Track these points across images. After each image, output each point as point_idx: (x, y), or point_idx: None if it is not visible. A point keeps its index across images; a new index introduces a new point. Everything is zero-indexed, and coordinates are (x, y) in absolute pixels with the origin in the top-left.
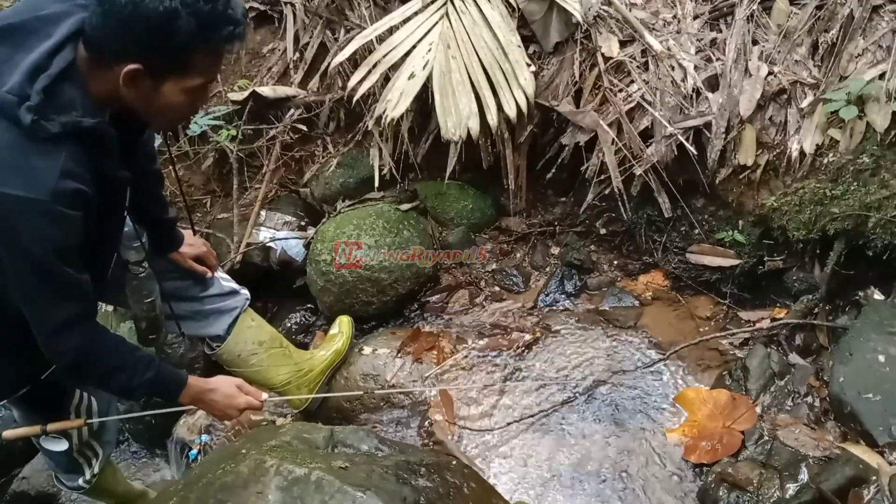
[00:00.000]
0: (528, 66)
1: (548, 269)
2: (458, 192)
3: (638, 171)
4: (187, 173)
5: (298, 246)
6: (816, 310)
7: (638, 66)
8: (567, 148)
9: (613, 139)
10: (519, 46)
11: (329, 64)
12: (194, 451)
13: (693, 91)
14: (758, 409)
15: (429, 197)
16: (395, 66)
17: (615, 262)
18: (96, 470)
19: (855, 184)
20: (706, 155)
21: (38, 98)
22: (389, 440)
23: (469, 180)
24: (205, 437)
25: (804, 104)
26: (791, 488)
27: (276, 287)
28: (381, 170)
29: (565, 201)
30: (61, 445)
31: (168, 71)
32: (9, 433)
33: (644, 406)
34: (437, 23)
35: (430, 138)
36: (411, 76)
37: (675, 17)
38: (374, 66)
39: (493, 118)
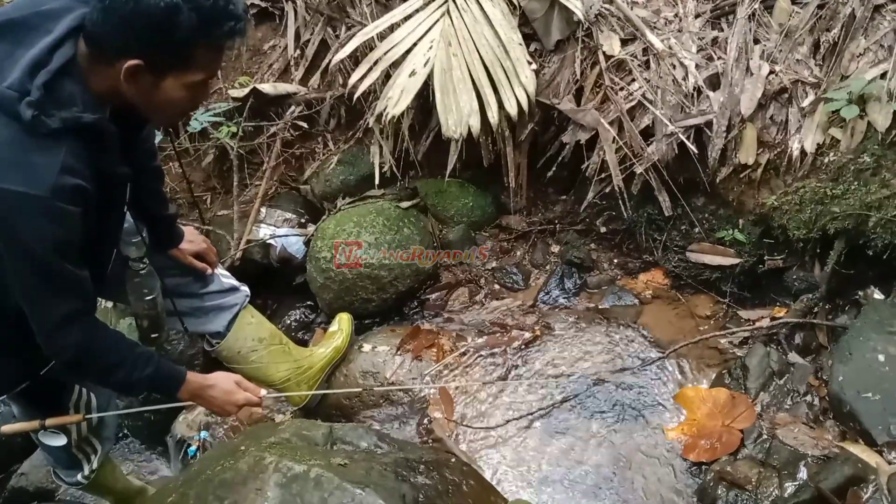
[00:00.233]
0: (529, 63)
1: (548, 268)
2: (458, 189)
3: (638, 169)
4: (188, 170)
5: (298, 243)
6: (816, 309)
7: (639, 65)
8: (568, 146)
9: (614, 137)
10: (520, 44)
11: (330, 61)
12: (193, 448)
13: (694, 90)
14: (757, 408)
15: (429, 195)
16: (396, 64)
17: (615, 261)
18: (95, 466)
19: (856, 183)
20: (707, 154)
21: (38, 93)
22: (389, 437)
23: (469, 178)
24: (204, 434)
25: (805, 103)
26: (790, 487)
27: (275, 284)
28: (381, 167)
29: (566, 199)
30: (60, 440)
31: (169, 66)
32: (7, 428)
33: (643, 404)
34: (438, 20)
35: (431, 136)
36: (412, 73)
37: (676, 15)
38: (375, 63)
39: (493, 116)
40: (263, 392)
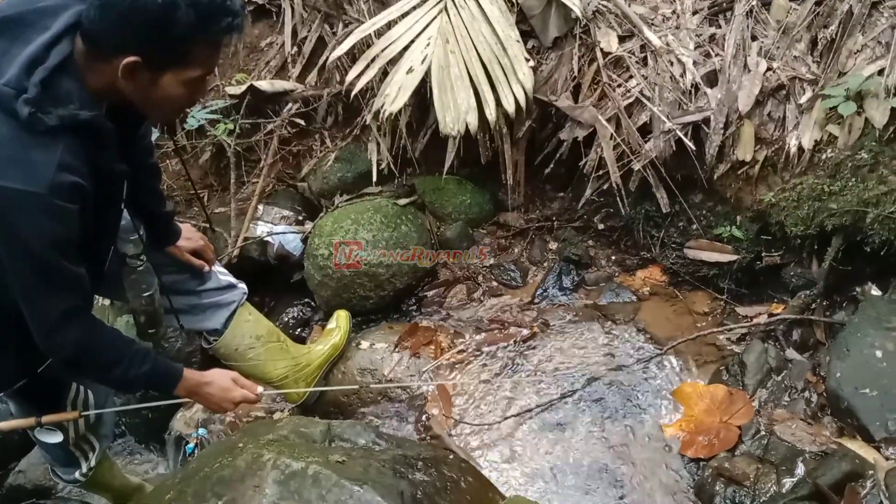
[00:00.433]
0: (527, 60)
1: (545, 265)
2: (456, 186)
3: (636, 166)
4: (186, 167)
5: (296, 240)
6: (814, 305)
7: (637, 62)
8: (565, 143)
9: (612, 134)
10: (518, 41)
11: (327, 58)
12: (191, 445)
13: (692, 86)
14: (755, 405)
15: (427, 192)
16: (393, 61)
17: (613, 258)
18: (93, 463)
19: (853, 180)
20: (704, 150)
21: (35, 91)
22: (387, 434)
23: (467, 175)
24: (202, 431)
25: (803, 100)
26: (787, 483)
27: (273, 281)
28: (379, 164)
29: (563, 196)
30: (56, 437)
31: (167, 63)
32: (4, 425)
33: (641, 401)
34: (435, 17)
35: (429, 133)
36: (410, 71)
37: (674, 12)
38: (373, 60)
39: (491, 113)
40: (260, 389)
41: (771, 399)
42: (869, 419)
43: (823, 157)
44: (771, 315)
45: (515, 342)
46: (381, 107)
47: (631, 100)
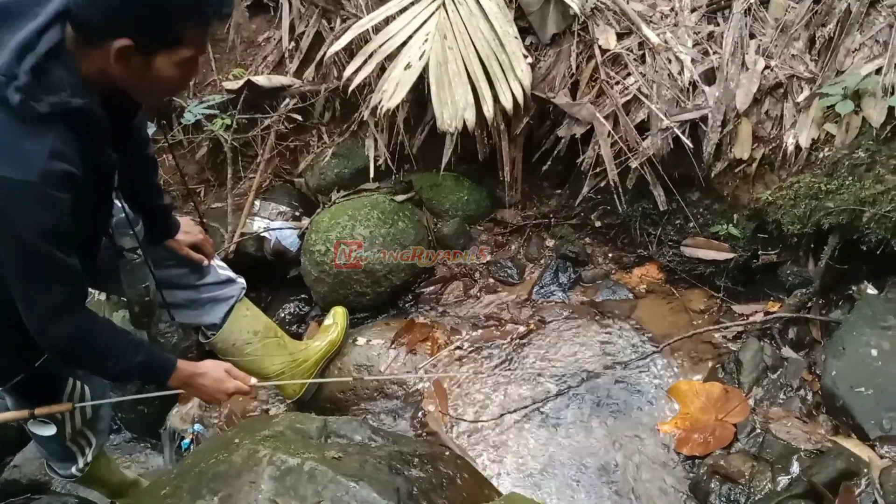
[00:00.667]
0: (525, 57)
1: (542, 262)
2: (453, 183)
3: (634, 163)
4: (181, 162)
5: (293, 236)
6: (810, 304)
7: (635, 59)
8: (563, 140)
9: (609, 132)
10: (516, 38)
11: (325, 53)
12: (187, 441)
13: (690, 84)
14: (750, 402)
15: (424, 188)
16: (391, 57)
17: (610, 255)
18: (89, 458)
19: (850, 178)
20: (702, 148)
21: (26, 78)
22: (383, 430)
23: (464, 172)
24: (198, 427)
25: (800, 98)
26: (783, 481)
27: (270, 277)
28: (376, 160)
29: (560, 194)
30: (49, 430)
31: (158, 45)
32: None
33: (637, 398)
34: (433, 13)
35: (426, 129)
36: (407, 66)
37: (672, 9)
38: (370, 56)
39: (489, 110)
40: (253, 380)
41: (766, 397)
42: (864, 418)
43: (821, 155)
44: (767, 313)
45: (512, 339)
46: (379, 103)
47: (629, 97)
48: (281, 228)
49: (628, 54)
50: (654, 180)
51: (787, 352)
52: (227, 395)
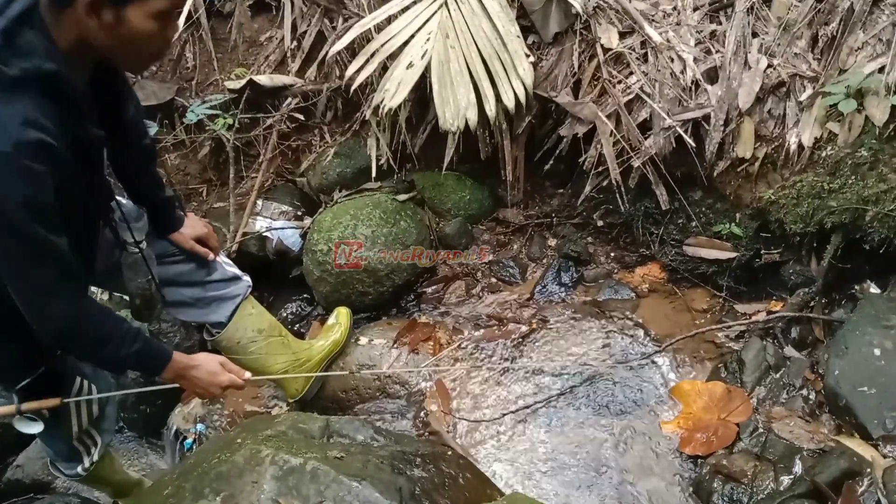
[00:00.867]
0: (527, 56)
1: (545, 261)
2: (455, 182)
3: (636, 163)
4: (183, 162)
5: (295, 236)
6: (813, 303)
7: (637, 58)
8: (565, 139)
9: (612, 131)
10: (518, 37)
11: (327, 53)
12: (189, 441)
13: (692, 83)
14: (753, 402)
15: (426, 187)
16: (393, 56)
17: (612, 254)
18: (95, 458)
19: (853, 177)
20: (704, 147)
21: None
22: (385, 430)
23: (466, 171)
24: (200, 427)
25: (803, 97)
26: (785, 480)
27: (272, 277)
28: (378, 160)
29: (563, 193)
30: (36, 428)
31: None
32: None
33: (639, 398)
34: (436, 12)
35: (428, 128)
36: (409, 66)
37: (674, 8)
38: (373, 55)
39: (491, 109)
40: (247, 375)
41: (769, 396)
42: (867, 417)
43: (823, 154)
44: (770, 312)
45: (514, 339)
46: (381, 102)
47: (631, 96)
48: (283, 228)
49: (630, 53)
50: (657, 179)
51: (789, 351)
52: (222, 388)
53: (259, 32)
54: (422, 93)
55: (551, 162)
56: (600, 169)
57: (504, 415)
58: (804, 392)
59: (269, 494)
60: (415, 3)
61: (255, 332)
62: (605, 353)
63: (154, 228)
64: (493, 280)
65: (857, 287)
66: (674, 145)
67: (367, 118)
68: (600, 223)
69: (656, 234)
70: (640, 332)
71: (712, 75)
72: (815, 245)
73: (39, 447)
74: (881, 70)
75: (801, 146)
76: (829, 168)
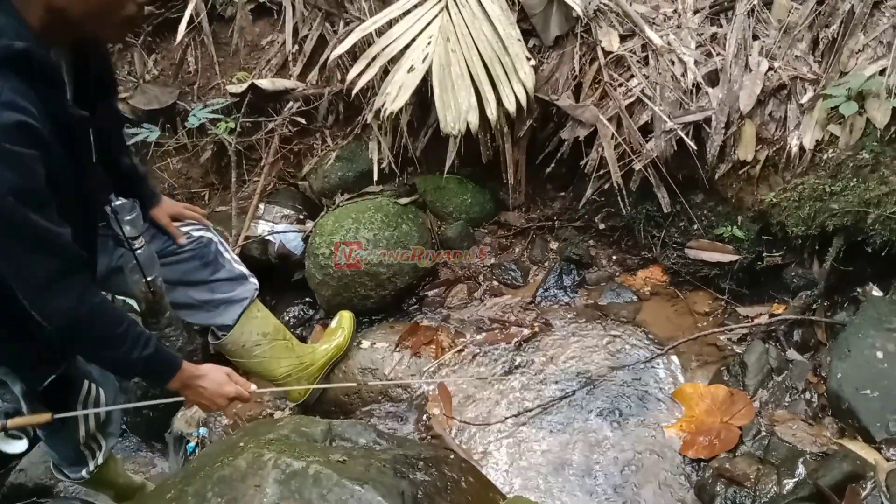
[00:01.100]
0: (528, 59)
1: (546, 264)
2: (456, 186)
3: (637, 165)
4: (185, 166)
5: (297, 239)
6: (815, 306)
7: (638, 61)
8: (566, 142)
9: (613, 134)
10: (519, 40)
11: (328, 57)
12: (192, 444)
13: (693, 86)
14: (755, 405)
15: (428, 191)
16: (394, 60)
17: (614, 257)
18: (100, 461)
19: (854, 180)
20: (706, 150)
21: None
22: (387, 434)
23: (468, 174)
24: (203, 431)
25: (804, 100)
26: (788, 484)
27: (274, 280)
28: (379, 163)
29: (564, 196)
30: (20, 446)
31: None
32: None
33: (642, 401)
34: (436, 16)
35: (430, 132)
36: (411, 69)
37: (675, 11)
38: (374, 58)
39: (492, 112)
40: (253, 387)
41: (772, 400)
42: (870, 420)
43: (825, 157)
44: (772, 315)
45: (516, 342)
46: (382, 105)
47: (632, 99)
48: (285, 232)
49: (631, 56)
50: (658, 182)
51: (792, 354)
52: (228, 399)
53: (260, 36)
54: (423, 96)
55: (552, 165)
56: (601, 172)
57: (506, 418)
58: (807, 395)
59: (271, 498)
60: (416, 6)
61: (259, 336)
62: (608, 356)
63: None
64: (495, 283)
65: (859, 290)
66: (675, 148)
67: (368, 122)
68: (602, 226)
69: (658, 237)
70: (642, 336)
71: (713, 78)
72: (816, 248)
73: (43, 451)
74: (882, 72)
75: (802, 149)
76: (831, 170)
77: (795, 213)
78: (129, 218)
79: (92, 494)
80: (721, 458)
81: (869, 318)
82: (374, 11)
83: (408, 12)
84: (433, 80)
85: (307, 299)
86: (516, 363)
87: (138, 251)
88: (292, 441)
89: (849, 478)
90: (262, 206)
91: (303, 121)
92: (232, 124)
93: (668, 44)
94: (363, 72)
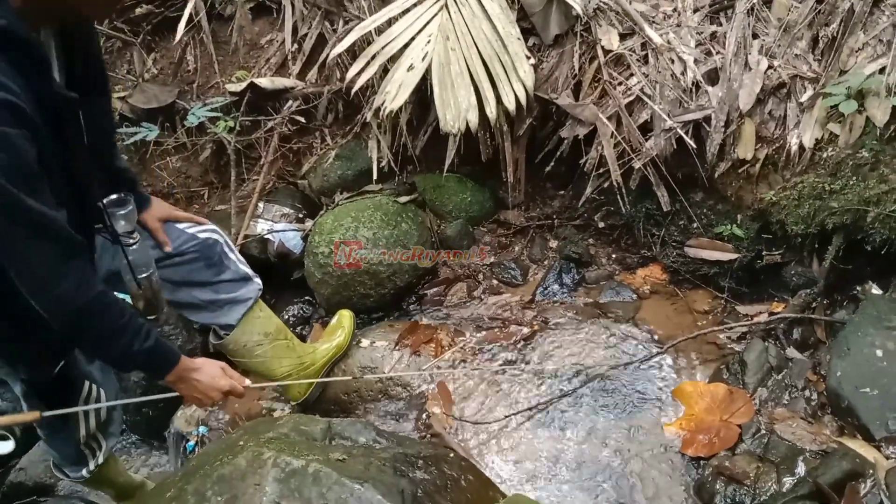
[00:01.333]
0: (528, 58)
1: (546, 263)
2: (456, 184)
3: (637, 164)
4: (185, 164)
5: (296, 238)
6: (814, 304)
7: (638, 60)
8: (566, 141)
9: (612, 132)
10: (518, 39)
11: (327, 55)
12: (192, 443)
13: (693, 84)
14: (755, 403)
15: (427, 189)
16: (393, 58)
17: (613, 256)
18: (100, 461)
19: (854, 178)
20: (705, 149)
21: None
22: (387, 432)
23: (468, 173)
24: (202, 429)
25: (804, 98)
26: (788, 482)
27: (273, 279)
28: (379, 162)
29: (564, 194)
30: (6, 447)
31: None
32: None
33: (641, 399)
34: (436, 14)
35: (429, 130)
36: (410, 68)
37: (675, 10)
38: (373, 57)
39: (491, 111)
40: (248, 381)
41: (771, 398)
42: (869, 418)
43: (824, 155)
44: (771, 314)
45: (516, 340)
46: (382, 104)
47: (632, 98)
48: (284, 230)
49: (631, 55)
50: (658, 181)
51: (791, 352)
52: (222, 393)
53: (260, 35)
54: (422, 95)
55: (552, 164)
56: (601, 170)
57: (506, 417)
58: (806, 393)
59: (271, 497)
60: (415, 5)
61: (261, 336)
62: (607, 354)
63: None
64: (495, 282)
65: (858, 288)
66: (675, 147)
67: (367, 120)
68: (601, 225)
69: (657, 236)
70: (642, 334)
71: (713, 76)
72: (816, 246)
73: (43, 450)
74: (882, 71)
75: (801, 147)
76: (830, 169)
77: (795, 212)
78: (122, 213)
79: (92, 493)
80: (721, 457)
81: (868, 317)
82: (374, 10)
83: (407, 11)
84: (433, 78)
85: (306, 298)
86: (516, 362)
87: (131, 248)
88: (292, 440)
89: (848, 476)
90: (261, 204)
91: (302, 119)
92: (231, 123)
93: (668, 42)
94: (362, 70)
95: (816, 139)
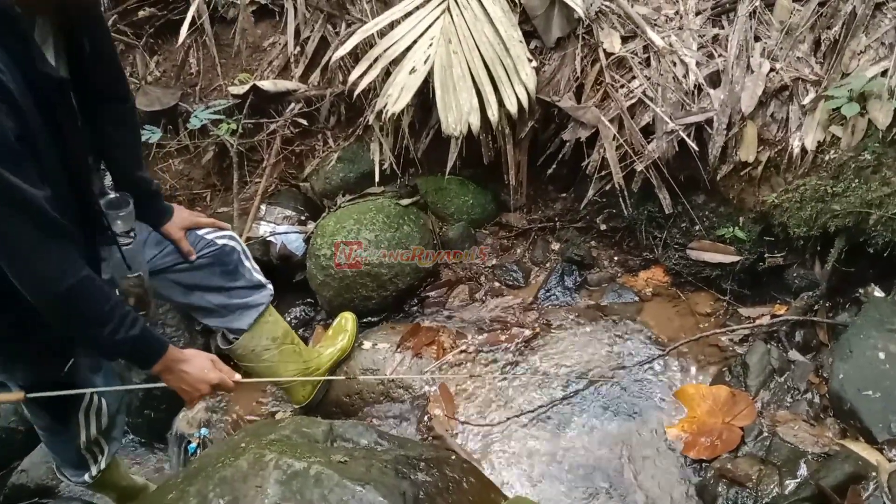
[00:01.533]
0: (530, 61)
1: (548, 265)
2: (458, 187)
3: (639, 167)
4: (187, 167)
5: (298, 240)
6: (817, 307)
7: (640, 62)
8: (568, 144)
9: (614, 135)
10: (520, 41)
11: (330, 58)
12: (193, 445)
13: (695, 87)
14: (757, 406)
15: (429, 192)
16: (396, 61)
17: (615, 258)
18: (103, 466)
19: (856, 181)
20: (707, 151)
21: None
22: (389, 434)
23: (469, 176)
24: (204, 431)
25: (806, 101)
26: (790, 484)
27: (275, 281)
28: (381, 165)
29: (566, 197)
30: None
31: None
32: None
33: (644, 402)
34: (438, 17)
35: (431, 133)
36: (412, 71)
37: (677, 12)
38: (375, 60)
39: (493, 113)
40: (237, 376)
41: (773, 400)
42: (871, 421)
43: (826, 158)
44: (774, 316)
45: (517, 343)
46: (384, 107)
47: (634, 100)
48: (287, 233)
49: (633, 57)
50: (660, 183)
51: (793, 355)
52: (210, 386)
53: (262, 38)
54: (424, 98)
55: (554, 166)
56: (603, 173)
57: (508, 419)
58: (808, 396)
59: (273, 499)
60: (417, 8)
61: (269, 341)
62: (609, 357)
63: (142, 219)
64: (497, 284)
65: (861, 290)
66: (677, 149)
67: (370, 123)
68: (603, 227)
69: (660, 238)
70: (644, 336)
71: (715, 79)
72: (818, 249)
73: (45, 452)
74: (884, 73)
75: (804, 150)
76: (833, 172)
77: (797, 214)
78: (122, 213)
79: (94, 496)
80: (723, 459)
81: (871, 319)
82: (376, 13)
83: (409, 14)
84: (435, 81)
85: (308, 300)
86: (517, 364)
87: (126, 246)
88: (294, 442)
89: (851, 478)
90: (263, 207)
91: (304, 122)
92: (234, 125)
93: (670, 45)
94: (365, 73)
95: (818, 142)
